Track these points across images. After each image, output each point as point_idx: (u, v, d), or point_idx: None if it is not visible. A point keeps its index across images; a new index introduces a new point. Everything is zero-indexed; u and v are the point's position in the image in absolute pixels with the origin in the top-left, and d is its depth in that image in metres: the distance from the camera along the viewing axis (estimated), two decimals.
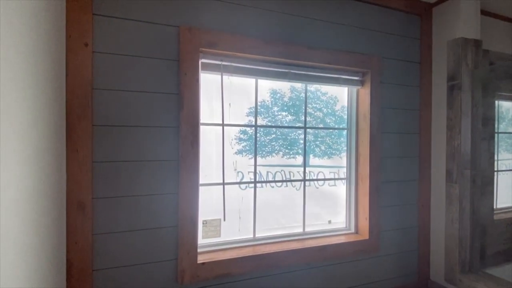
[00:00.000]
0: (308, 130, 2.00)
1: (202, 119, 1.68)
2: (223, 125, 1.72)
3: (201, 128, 1.66)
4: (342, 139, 2.11)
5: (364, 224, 1.98)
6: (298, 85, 1.97)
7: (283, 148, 1.97)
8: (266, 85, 1.89)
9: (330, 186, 2.09)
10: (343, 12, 1.89)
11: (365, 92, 1.99)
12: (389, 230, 2.03)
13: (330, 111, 2.08)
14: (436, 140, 2.11)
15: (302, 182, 1.98)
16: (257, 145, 1.86)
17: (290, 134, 1.98)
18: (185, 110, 1.51)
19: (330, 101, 2.08)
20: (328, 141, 2.08)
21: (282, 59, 1.72)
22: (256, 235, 1.84)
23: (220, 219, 1.73)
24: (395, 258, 2.06)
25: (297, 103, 1.98)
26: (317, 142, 2.05)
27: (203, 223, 1.69)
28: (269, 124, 1.91)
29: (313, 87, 2.01)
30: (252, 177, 1.86)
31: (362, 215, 2.00)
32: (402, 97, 2.07)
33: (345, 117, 2.11)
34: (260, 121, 1.87)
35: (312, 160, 2.05)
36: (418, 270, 2.13)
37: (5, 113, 0.85)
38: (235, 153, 1.83)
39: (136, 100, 1.45)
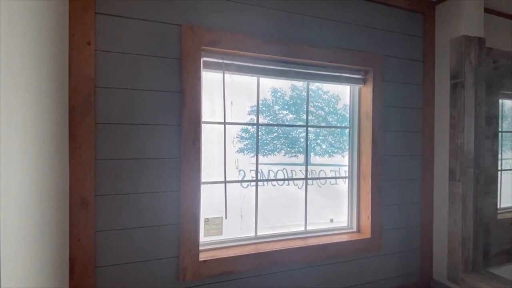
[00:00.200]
0: (309, 128, 2.00)
1: (204, 118, 1.69)
2: (224, 123, 1.72)
3: (203, 126, 1.67)
4: (344, 137, 2.11)
5: (366, 222, 1.97)
6: (299, 84, 1.97)
7: (285, 146, 1.97)
8: (268, 84, 1.89)
9: (331, 184, 2.09)
10: (345, 10, 1.88)
11: (367, 91, 1.99)
12: (391, 229, 2.03)
13: (332, 109, 2.08)
14: (439, 139, 2.10)
15: (304, 181, 1.98)
16: (259, 144, 1.86)
17: (291, 133, 1.98)
18: (187, 108, 1.52)
19: (332, 99, 2.08)
20: (330, 140, 2.08)
21: (284, 57, 1.72)
22: (258, 234, 1.84)
23: (221, 217, 1.73)
24: (398, 257, 2.05)
25: (298, 101, 1.98)
26: (318, 141, 2.05)
27: (205, 221, 1.70)
28: (271, 122, 1.92)
29: (314, 85, 2.01)
30: (254, 175, 1.86)
31: (364, 214, 2.00)
32: (405, 95, 2.06)
33: (347, 115, 2.11)
34: (261, 120, 1.87)
35: (314, 159, 2.05)
36: (420, 269, 2.12)
37: (9, 111, 0.86)
38: (237, 151, 1.83)
39: (138, 98, 1.46)
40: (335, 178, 2.08)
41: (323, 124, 2.05)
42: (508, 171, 2.59)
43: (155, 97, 1.48)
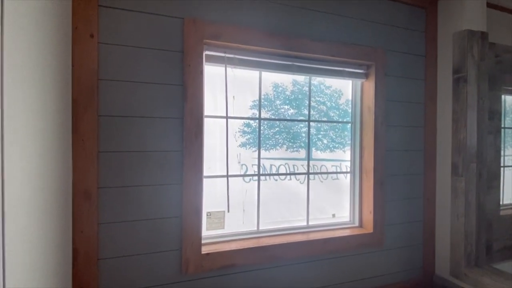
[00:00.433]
0: (311, 123, 2.00)
1: (206, 112, 1.69)
2: (227, 117, 1.72)
3: (205, 121, 1.67)
4: (345, 132, 2.11)
5: (369, 217, 1.97)
6: (301, 79, 1.97)
7: (287, 141, 1.97)
8: (269, 79, 1.89)
9: (333, 179, 2.09)
10: (347, 4, 1.88)
11: (370, 85, 1.98)
12: (394, 224, 2.02)
13: (334, 104, 2.08)
14: (441, 134, 2.09)
15: (306, 176, 1.98)
16: (261, 138, 1.86)
17: (293, 128, 1.98)
18: (189, 101, 1.52)
19: (334, 94, 2.08)
20: (331, 135, 2.08)
21: (286, 51, 1.72)
22: (260, 228, 1.84)
23: (224, 211, 1.73)
24: (400, 252, 2.05)
25: (299, 96, 1.98)
26: (320, 136, 2.05)
27: (207, 215, 1.70)
28: (273, 117, 1.92)
29: (316, 80, 2.01)
30: (256, 170, 1.86)
31: (366, 209, 2.00)
32: (407, 90, 2.06)
33: (349, 110, 2.11)
34: (263, 114, 1.87)
35: (316, 154, 2.05)
36: (423, 265, 2.12)
37: (12, 103, 0.87)
38: (239, 146, 1.83)
39: (140, 91, 1.46)
40: (337, 173, 2.08)
41: (325, 119, 2.05)
42: (511, 167, 2.58)
43: (157, 90, 1.49)
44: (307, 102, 1.98)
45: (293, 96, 1.97)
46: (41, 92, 1.06)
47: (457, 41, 1.97)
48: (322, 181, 2.05)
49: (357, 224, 2.04)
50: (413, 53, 2.07)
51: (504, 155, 2.44)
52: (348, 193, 2.09)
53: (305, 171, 1.98)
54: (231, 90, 1.76)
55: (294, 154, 1.99)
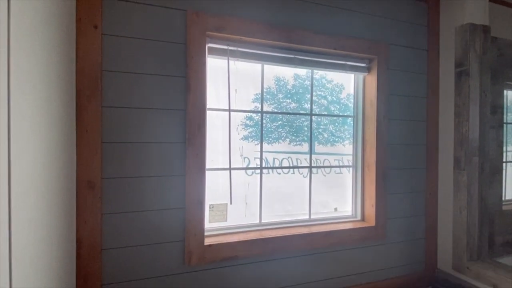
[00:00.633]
0: (314, 117, 2.00)
1: (209, 105, 1.69)
2: (229, 110, 1.73)
3: (208, 113, 1.67)
4: (345, 127, 2.11)
5: (371, 211, 1.97)
6: (302, 73, 1.97)
7: (290, 135, 1.97)
8: (271, 72, 1.89)
9: (336, 173, 2.09)
10: None
11: (372, 79, 1.98)
12: (396, 218, 2.02)
13: (335, 99, 2.08)
14: (443, 127, 2.09)
15: (309, 170, 1.98)
16: (263, 132, 1.86)
17: (295, 121, 1.99)
18: (192, 93, 1.53)
19: (336, 88, 2.08)
20: (331, 129, 2.08)
21: (288, 43, 1.73)
22: (262, 221, 1.84)
23: (226, 204, 1.74)
24: (402, 246, 2.05)
25: (300, 90, 1.98)
26: (320, 130, 2.05)
27: (209, 207, 1.71)
28: (275, 110, 1.92)
29: (318, 74, 2.01)
30: (258, 163, 1.86)
31: (368, 202, 2.00)
32: (409, 84, 2.06)
33: (351, 105, 2.11)
34: (266, 108, 1.88)
35: (319, 148, 2.05)
36: (425, 259, 2.11)
37: (18, 95, 0.87)
38: (241, 139, 1.84)
39: (144, 83, 1.47)
40: (339, 167, 2.08)
41: (325, 113, 2.05)
42: None
43: (160, 82, 1.49)
44: (308, 96, 1.98)
45: (294, 90, 1.97)
46: (45, 83, 1.07)
47: (459, 35, 1.97)
48: (325, 175, 2.06)
49: (359, 218, 2.04)
50: (416, 47, 2.07)
51: (506, 151, 2.44)
52: (350, 187, 2.09)
53: (307, 165, 1.98)
54: (234, 83, 1.76)
55: (297, 148, 2.00)
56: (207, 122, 1.61)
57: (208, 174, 1.65)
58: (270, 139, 1.91)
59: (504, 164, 2.34)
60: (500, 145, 2.23)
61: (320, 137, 2.05)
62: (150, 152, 1.48)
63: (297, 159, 1.99)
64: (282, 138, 1.95)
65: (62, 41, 1.22)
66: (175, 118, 1.52)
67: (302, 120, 2.00)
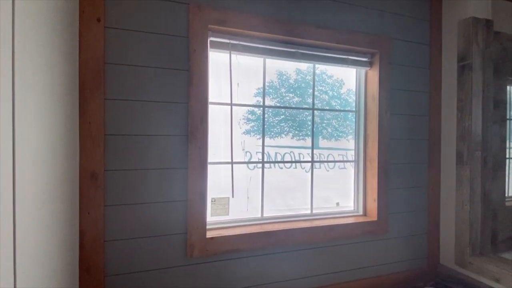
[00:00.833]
0: (315, 112, 2.00)
1: (211, 100, 1.70)
2: (231, 104, 1.73)
3: (210, 108, 1.68)
4: (348, 122, 2.11)
5: (373, 206, 1.97)
6: (304, 67, 1.98)
7: (292, 129, 1.97)
8: (273, 67, 1.90)
9: (340, 169, 2.09)
10: None
11: (374, 74, 1.98)
12: (398, 213, 2.02)
13: (336, 94, 2.08)
14: (446, 122, 2.09)
15: (311, 165, 1.98)
16: (266, 126, 1.87)
17: (298, 116, 1.99)
18: (194, 86, 1.53)
19: (336, 84, 2.08)
20: (334, 124, 2.08)
21: (290, 37, 1.73)
22: (264, 215, 1.85)
23: (228, 198, 1.74)
24: (404, 241, 2.04)
25: (303, 85, 1.98)
26: (324, 124, 2.05)
27: (212, 201, 1.71)
28: (278, 105, 1.92)
29: (318, 69, 2.01)
30: (260, 157, 1.87)
31: (370, 197, 1.99)
32: (412, 78, 2.05)
33: (351, 100, 2.11)
34: (268, 102, 1.88)
35: (323, 143, 2.05)
36: (427, 254, 2.11)
37: (22, 84, 0.88)
38: (243, 133, 1.84)
39: (146, 75, 1.47)
40: (341, 161, 2.08)
41: (328, 108, 2.05)
42: None
43: (163, 74, 1.50)
44: (310, 91, 1.98)
45: (296, 84, 1.97)
46: (49, 75, 1.08)
47: (462, 29, 1.96)
48: (328, 170, 2.06)
49: (361, 212, 2.04)
50: (418, 42, 2.07)
51: (510, 147, 2.43)
52: (353, 182, 2.09)
53: (309, 160, 1.98)
54: (236, 77, 1.76)
55: (300, 143, 2.00)
56: (209, 116, 1.62)
57: (210, 169, 1.66)
58: (272, 133, 1.92)
59: (507, 160, 2.33)
60: (503, 141, 2.22)
61: (324, 131, 2.05)
62: (153, 145, 1.48)
63: (299, 153, 1.99)
64: (285, 133, 1.96)
65: (65, 33, 1.22)
66: (178, 111, 1.53)
67: (306, 115, 2.00)
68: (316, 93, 2.01)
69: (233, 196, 1.71)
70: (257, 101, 1.86)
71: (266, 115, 1.86)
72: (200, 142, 1.55)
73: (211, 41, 1.62)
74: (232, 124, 1.73)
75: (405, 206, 2.04)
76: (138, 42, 1.46)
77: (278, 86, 1.92)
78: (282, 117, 1.94)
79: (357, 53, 1.97)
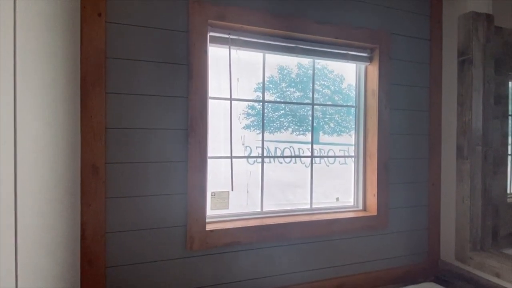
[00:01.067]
0: (316, 107, 2.01)
1: (211, 94, 1.71)
2: (231, 99, 1.74)
3: (210, 102, 1.69)
4: (350, 117, 2.11)
5: (372, 200, 1.97)
6: (305, 62, 1.98)
7: (293, 124, 1.98)
8: (274, 61, 1.91)
9: (341, 164, 2.09)
10: None
11: (374, 69, 1.98)
12: (398, 208, 2.02)
13: (337, 89, 2.09)
14: (446, 117, 2.09)
15: (311, 160, 1.99)
16: (265, 121, 1.88)
17: (299, 111, 1.99)
18: (194, 81, 1.55)
19: (337, 79, 2.09)
20: (337, 119, 2.09)
21: (290, 32, 1.74)
22: (264, 210, 1.86)
23: (228, 192, 1.76)
24: (405, 236, 2.05)
25: (305, 79, 1.99)
26: (326, 119, 2.06)
27: (211, 195, 1.73)
28: (278, 99, 1.93)
29: (320, 64, 2.01)
30: (260, 152, 1.88)
31: (370, 192, 2.00)
32: (412, 73, 2.05)
33: (352, 95, 2.11)
34: (268, 97, 1.89)
35: (324, 138, 2.05)
36: (428, 249, 2.11)
37: (23, 79, 0.90)
38: (243, 127, 1.85)
39: (147, 69, 1.49)
40: (341, 157, 2.09)
41: (329, 103, 2.06)
42: None
43: (163, 68, 1.52)
44: (312, 86, 1.99)
45: (298, 79, 1.98)
46: (51, 69, 1.10)
47: (462, 23, 1.96)
48: (328, 166, 2.06)
49: (361, 207, 2.04)
50: (418, 37, 2.06)
51: (511, 143, 2.41)
52: (353, 177, 2.09)
53: (309, 155, 1.99)
54: (235, 72, 1.78)
55: (301, 138, 2.00)
56: (209, 110, 1.63)
57: (210, 163, 1.67)
58: (272, 128, 1.93)
59: (509, 156, 2.32)
60: (504, 136, 2.21)
61: (326, 126, 2.06)
62: (153, 138, 1.50)
63: (299, 148, 2.00)
64: (285, 128, 1.96)
65: (67, 28, 1.25)
66: (178, 105, 1.55)
67: (307, 109, 2.00)
68: (318, 87, 2.01)
69: (232, 190, 1.72)
70: (257, 96, 1.87)
71: (266, 110, 1.87)
72: (200, 135, 1.57)
73: (210, 36, 1.64)
74: (232, 119, 1.74)
75: (405, 201, 2.04)
76: (139, 36, 1.48)
77: (278, 81, 1.93)
78: (282, 112, 1.95)
79: (357, 48, 1.97)
